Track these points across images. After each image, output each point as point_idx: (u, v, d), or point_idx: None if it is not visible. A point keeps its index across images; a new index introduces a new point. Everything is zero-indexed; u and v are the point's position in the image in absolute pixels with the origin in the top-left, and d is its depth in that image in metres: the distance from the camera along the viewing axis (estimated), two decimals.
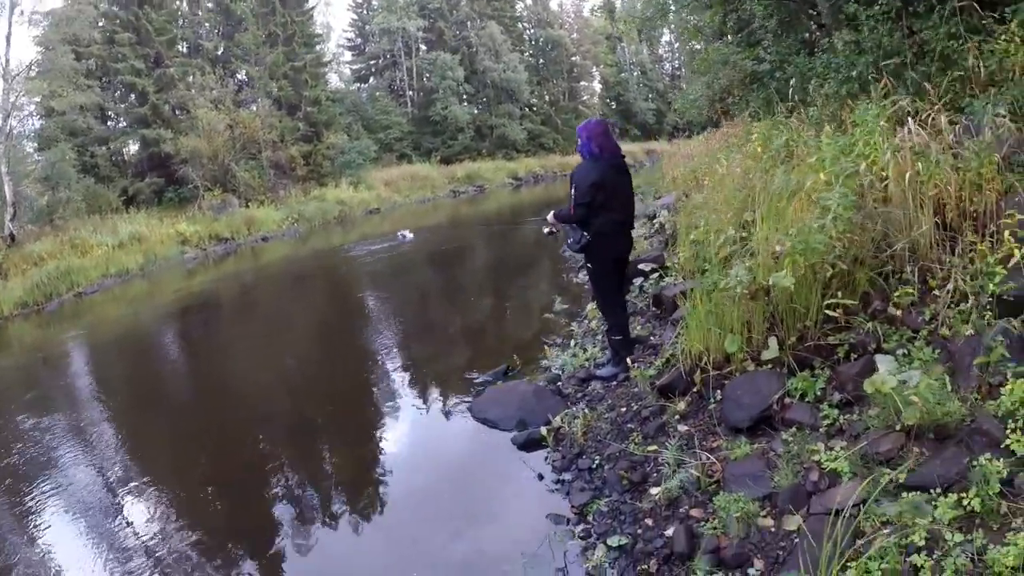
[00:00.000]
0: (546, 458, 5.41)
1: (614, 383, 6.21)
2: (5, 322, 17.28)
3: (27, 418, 8.44)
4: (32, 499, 6.12)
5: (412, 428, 6.95)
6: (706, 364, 5.03)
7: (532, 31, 62.33)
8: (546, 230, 6.41)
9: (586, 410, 5.78)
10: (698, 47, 26.60)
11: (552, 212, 6.26)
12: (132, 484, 6.29)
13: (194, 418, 8.24)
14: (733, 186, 7.43)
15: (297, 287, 17.82)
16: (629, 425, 5.37)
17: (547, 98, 61.10)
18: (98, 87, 30.49)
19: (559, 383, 6.62)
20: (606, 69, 66.08)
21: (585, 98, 65.73)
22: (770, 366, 4.74)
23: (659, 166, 22.48)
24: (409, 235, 20.91)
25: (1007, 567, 2.74)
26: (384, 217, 32.15)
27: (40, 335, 16.02)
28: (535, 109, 58.36)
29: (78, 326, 16.22)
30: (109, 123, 32.00)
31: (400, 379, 8.43)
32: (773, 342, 4.70)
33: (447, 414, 6.92)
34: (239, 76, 36.91)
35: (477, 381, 7.35)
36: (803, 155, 6.40)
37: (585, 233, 5.85)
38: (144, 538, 5.25)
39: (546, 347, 7.72)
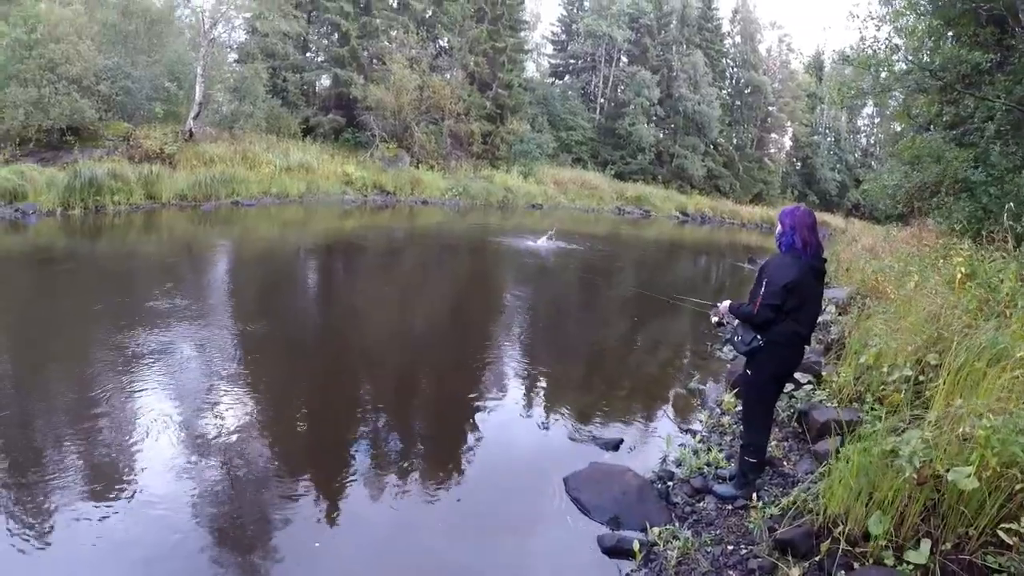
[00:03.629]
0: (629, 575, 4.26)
1: (730, 507, 5.01)
2: (162, 208, 17.36)
3: (157, 303, 9.16)
4: (135, 374, 6.54)
5: (497, 467, 5.71)
6: (840, 534, 3.91)
7: (735, 70, 59.41)
8: (714, 319, 5.33)
9: (689, 534, 4.59)
10: (898, 128, 24.17)
11: (727, 302, 5.15)
12: (227, 386, 6.61)
13: (306, 347, 8.55)
14: (922, 315, 6.53)
15: (443, 258, 17.44)
16: (731, 573, 4.24)
17: (735, 141, 58.43)
18: (304, 19, 30.68)
19: (670, 484, 5.41)
20: (800, 127, 62.37)
21: (772, 151, 62.60)
22: (911, 567, 3.63)
23: (833, 247, 20.07)
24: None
25: None
26: (546, 214, 31.36)
27: (189, 230, 15.96)
28: (720, 149, 55.88)
29: (227, 233, 15.99)
30: (309, 54, 32.17)
31: (509, 397, 7.26)
32: (925, 546, 3.61)
33: (540, 472, 5.59)
34: (440, 43, 36.51)
35: (585, 439, 6.26)
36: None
37: (758, 336, 4.71)
38: (219, 436, 5.51)
39: (668, 433, 6.44)
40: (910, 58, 11.99)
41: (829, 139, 63.97)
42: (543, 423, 6.59)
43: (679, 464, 5.65)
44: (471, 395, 7.16)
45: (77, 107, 18.85)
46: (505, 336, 9.91)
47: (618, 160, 47.05)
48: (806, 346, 4.89)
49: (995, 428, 3.53)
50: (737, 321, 4.91)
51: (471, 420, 6.45)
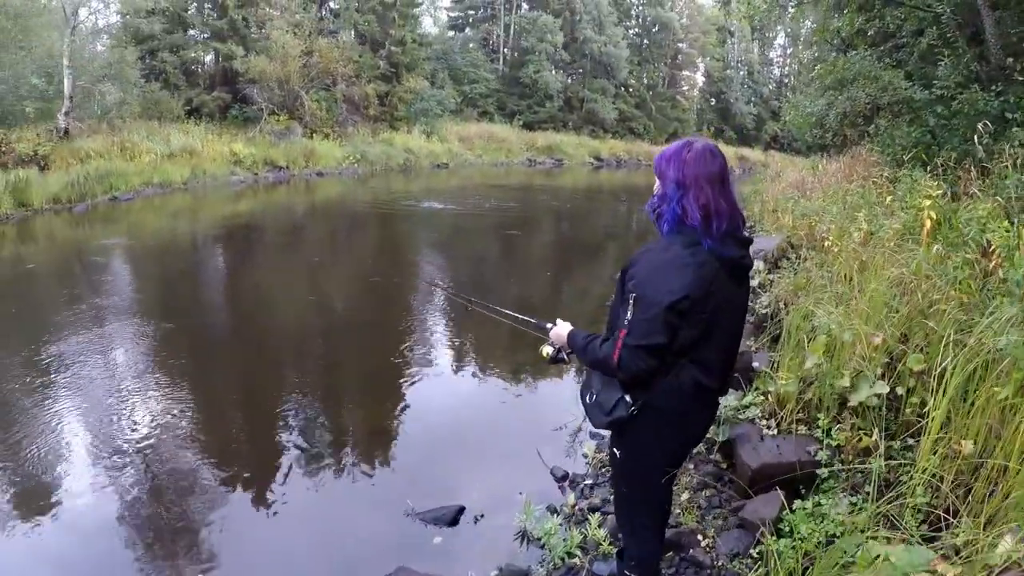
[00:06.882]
0: None
1: None
2: (35, 215, 16.81)
3: (54, 315, 8.72)
4: (48, 392, 6.35)
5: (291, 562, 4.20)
6: None
7: (640, 8, 58.96)
8: (546, 351, 3.01)
9: None
10: (814, 55, 23.99)
11: (564, 327, 2.88)
12: (143, 390, 6.51)
13: (209, 341, 8.36)
14: (886, 291, 4.58)
15: (343, 232, 16.99)
16: None
17: (645, 81, 58.21)
18: None
19: None
20: (712, 62, 62.32)
21: (685, 88, 62.62)
22: None
23: (757, 184, 19.11)
24: None
25: None
26: (452, 174, 30.77)
27: (63, 235, 15.48)
28: (631, 90, 55.59)
29: (102, 232, 15.68)
30: (191, 32, 30.93)
31: (319, 442, 5.76)
32: None
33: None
34: (330, 4, 35.79)
35: (410, 510, 4.56)
36: None
37: (627, 397, 2.55)
38: (141, 444, 5.40)
39: (526, 491, 4.78)
40: None
41: (742, 73, 64.14)
42: (362, 480, 5.15)
43: (542, 545, 4.06)
44: (303, 433, 5.76)
45: None
46: (399, 324, 9.00)
47: (526, 110, 46.23)
48: (720, 396, 2.82)
49: None
50: (595, 372, 2.72)
51: (286, 472, 5.10)
